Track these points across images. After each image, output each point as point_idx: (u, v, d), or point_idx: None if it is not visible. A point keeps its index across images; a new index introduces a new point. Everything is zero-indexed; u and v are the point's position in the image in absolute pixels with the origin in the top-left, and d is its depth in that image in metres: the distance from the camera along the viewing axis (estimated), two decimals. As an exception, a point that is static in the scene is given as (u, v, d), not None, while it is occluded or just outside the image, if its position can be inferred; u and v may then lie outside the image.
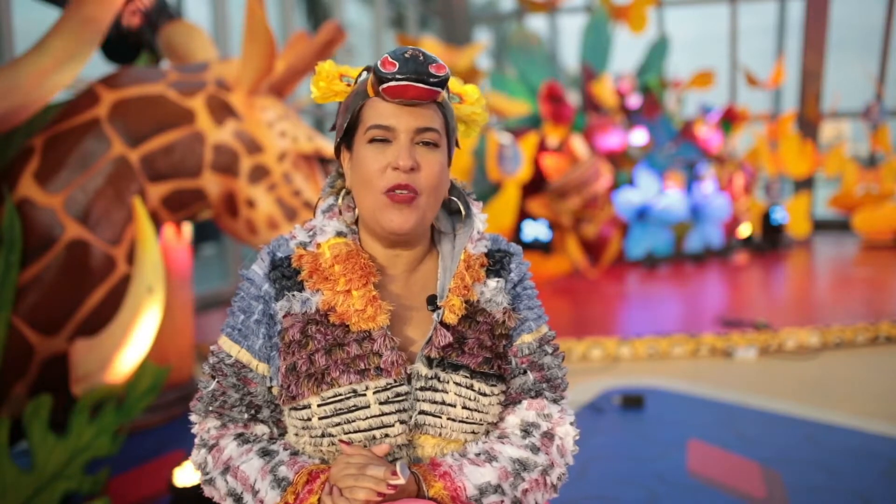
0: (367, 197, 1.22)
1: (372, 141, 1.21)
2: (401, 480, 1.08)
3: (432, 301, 1.26)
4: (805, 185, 12.37)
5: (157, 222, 3.19)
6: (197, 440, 1.26)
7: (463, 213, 1.33)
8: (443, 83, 1.19)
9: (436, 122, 1.22)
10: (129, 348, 2.89)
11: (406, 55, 1.18)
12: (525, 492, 1.21)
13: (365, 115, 1.23)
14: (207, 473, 1.23)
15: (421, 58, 1.18)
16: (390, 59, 1.18)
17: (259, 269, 1.26)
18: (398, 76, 1.16)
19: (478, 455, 1.21)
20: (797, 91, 12.91)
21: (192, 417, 1.27)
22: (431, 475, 1.17)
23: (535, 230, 8.55)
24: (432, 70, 1.18)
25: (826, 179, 13.37)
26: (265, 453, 1.21)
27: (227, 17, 7.68)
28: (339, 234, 1.27)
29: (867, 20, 13.20)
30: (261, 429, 1.26)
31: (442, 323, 1.23)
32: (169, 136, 3.15)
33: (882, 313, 6.25)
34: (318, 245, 1.26)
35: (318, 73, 1.29)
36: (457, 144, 1.33)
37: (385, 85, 1.18)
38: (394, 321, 1.23)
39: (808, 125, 12.49)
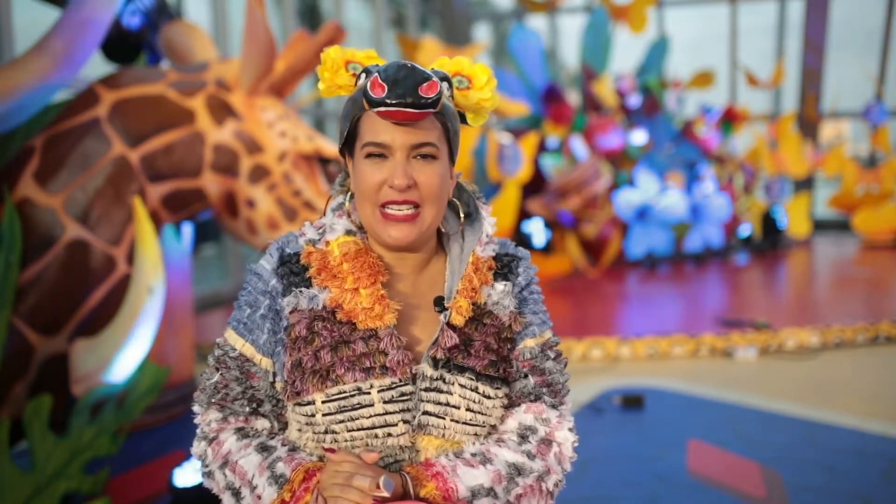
0: (366, 210, 1.22)
1: (369, 156, 1.21)
2: (384, 494, 1.09)
3: (439, 302, 1.26)
4: (805, 185, 12.37)
5: (157, 222, 3.19)
6: (198, 431, 1.27)
7: (465, 215, 1.32)
8: (434, 103, 1.16)
9: (432, 135, 1.20)
10: (129, 348, 2.89)
11: (395, 77, 1.15)
12: (519, 497, 1.21)
13: (362, 128, 1.22)
14: (207, 466, 1.25)
15: (410, 80, 1.15)
16: (380, 82, 1.16)
17: (267, 263, 1.27)
18: (387, 101, 1.15)
19: (473, 456, 1.21)
20: (797, 91, 12.91)
21: (195, 408, 1.27)
22: (424, 475, 1.17)
23: (535, 232, 8.56)
24: (422, 92, 1.15)
25: (826, 179, 13.37)
26: (263, 448, 1.22)
27: (227, 17, 7.69)
28: (349, 232, 1.27)
29: (867, 20, 13.20)
30: (261, 423, 1.27)
31: (449, 324, 1.23)
32: (169, 136, 3.15)
33: (882, 313, 6.25)
34: (328, 242, 1.26)
35: (324, 61, 1.25)
36: (465, 121, 1.30)
37: (375, 109, 1.17)
38: (400, 321, 1.22)
39: (808, 125, 12.49)
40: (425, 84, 1.16)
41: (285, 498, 1.16)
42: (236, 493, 1.21)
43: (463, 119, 1.29)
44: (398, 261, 1.27)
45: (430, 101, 1.16)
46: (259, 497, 1.18)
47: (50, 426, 2.73)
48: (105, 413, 2.82)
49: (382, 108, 1.15)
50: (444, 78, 1.23)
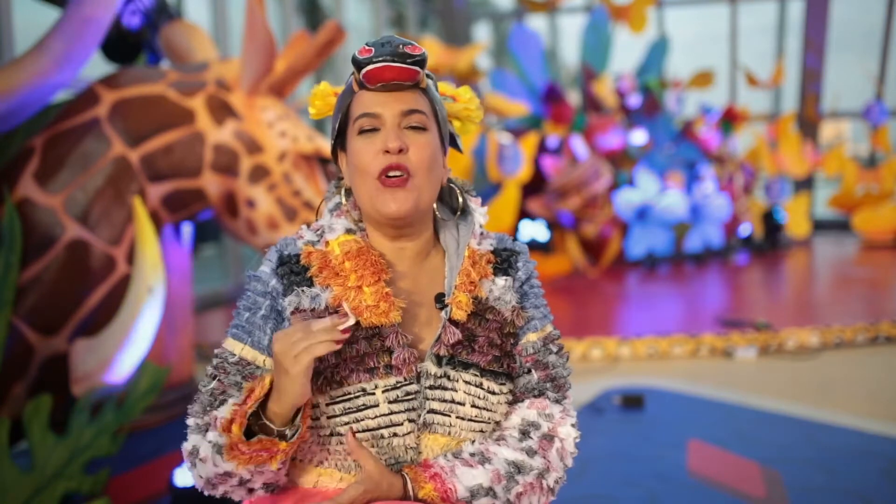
0: (363, 186, 1.23)
1: (362, 132, 1.23)
2: (350, 321, 1.08)
3: (440, 299, 1.26)
4: (805, 185, 12.36)
5: (157, 222, 3.19)
6: (190, 430, 1.20)
7: (459, 207, 1.33)
8: (420, 62, 1.21)
9: (421, 104, 1.24)
10: (129, 348, 2.89)
11: (382, 41, 1.21)
12: (519, 495, 1.20)
13: (353, 109, 1.25)
14: (195, 447, 1.17)
15: (395, 41, 1.21)
16: (366, 46, 1.21)
17: (266, 266, 1.26)
18: (375, 59, 1.19)
19: (472, 455, 1.20)
20: (797, 91, 12.90)
21: (189, 421, 1.21)
22: (422, 476, 1.17)
23: (533, 230, 8.56)
24: (407, 50, 1.20)
25: (826, 179, 13.36)
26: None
27: (227, 17, 7.68)
28: (349, 231, 1.27)
29: (867, 20, 13.20)
30: None
31: (451, 321, 1.23)
32: (169, 136, 3.15)
33: (882, 313, 6.25)
34: (327, 243, 1.26)
35: (314, 94, 1.33)
36: (455, 146, 1.34)
37: (364, 70, 1.20)
38: (403, 319, 1.22)
39: (808, 125, 12.49)
40: (410, 45, 1.21)
41: (245, 394, 1.13)
42: (219, 451, 1.13)
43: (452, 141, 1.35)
44: (397, 254, 1.27)
45: (415, 58, 1.20)
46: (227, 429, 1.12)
47: (50, 426, 2.73)
48: (105, 413, 2.82)
49: (371, 67, 1.19)
50: (429, 76, 1.28)
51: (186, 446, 1.20)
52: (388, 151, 1.20)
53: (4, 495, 2.59)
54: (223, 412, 1.13)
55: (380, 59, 1.19)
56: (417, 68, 1.21)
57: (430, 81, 1.28)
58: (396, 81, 1.20)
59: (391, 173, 1.20)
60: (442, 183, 1.29)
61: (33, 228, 2.86)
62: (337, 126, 1.28)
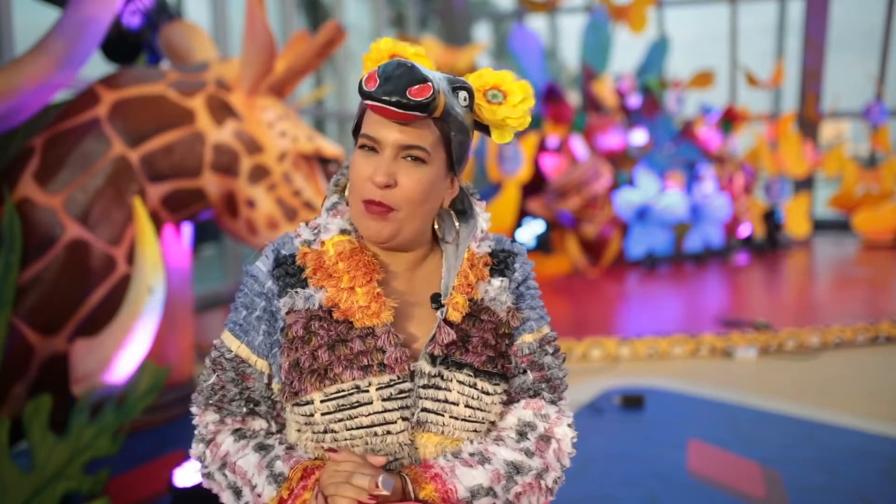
0: (352, 199, 1.24)
1: (361, 147, 1.22)
2: (383, 492, 1.10)
3: (436, 299, 1.26)
4: (805, 185, 12.37)
5: (157, 222, 3.19)
6: (196, 433, 1.28)
7: (459, 212, 1.33)
8: (422, 107, 1.14)
9: (425, 138, 1.19)
10: (129, 348, 2.89)
11: (390, 74, 1.14)
12: (518, 495, 1.21)
13: (365, 118, 1.23)
14: (206, 467, 1.26)
15: (403, 80, 1.14)
16: (375, 76, 1.15)
17: (263, 265, 1.27)
18: (374, 96, 1.14)
19: (472, 455, 1.21)
20: (797, 91, 12.90)
21: (193, 409, 1.28)
22: (423, 477, 1.17)
23: (533, 230, 8.57)
24: (410, 94, 1.13)
25: (826, 179, 13.37)
26: (261, 448, 1.23)
27: (227, 17, 7.69)
28: (343, 231, 1.27)
29: (867, 20, 13.20)
30: (258, 423, 1.27)
31: (446, 321, 1.23)
32: (169, 136, 3.15)
33: (882, 313, 6.25)
34: (323, 242, 1.26)
35: (371, 50, 1.25)
36: (482, 127, 1.29)
37: (366, 102, 1.17)
38: (397, 318, 1.23)
39: (808, 125, 12.49)
40: (416, 87, 1.14)
41: (283, 496, 1.17)
42: (238, 493, 1.22)
43: (488, 132, 1.29)
44: (392, 258, 1.28)
45: (415, 103, 1.14)
46: (259, 496, 1.19)
47: (50, 426, 2.73)
48: (105, 413, 2.82)
49: (370, 102, 1.16)
50: (463, 87, 1.22)
51: (195, 453, 1.27)
52: (375, 183, 1.18)
53: (4, 495, 2.59)
54: (265, 494, 1.19)
55: (380, 97, 1.13)
56: (419, 113, 1.14)
57: (459, 98, 1.21)
58: (397, 120, 1.17)
59: (372, 205, 1.20)
60: (440, 204, 1.27)
61: (33, 228, 2.86)
62: (355, 122, 1.27)
